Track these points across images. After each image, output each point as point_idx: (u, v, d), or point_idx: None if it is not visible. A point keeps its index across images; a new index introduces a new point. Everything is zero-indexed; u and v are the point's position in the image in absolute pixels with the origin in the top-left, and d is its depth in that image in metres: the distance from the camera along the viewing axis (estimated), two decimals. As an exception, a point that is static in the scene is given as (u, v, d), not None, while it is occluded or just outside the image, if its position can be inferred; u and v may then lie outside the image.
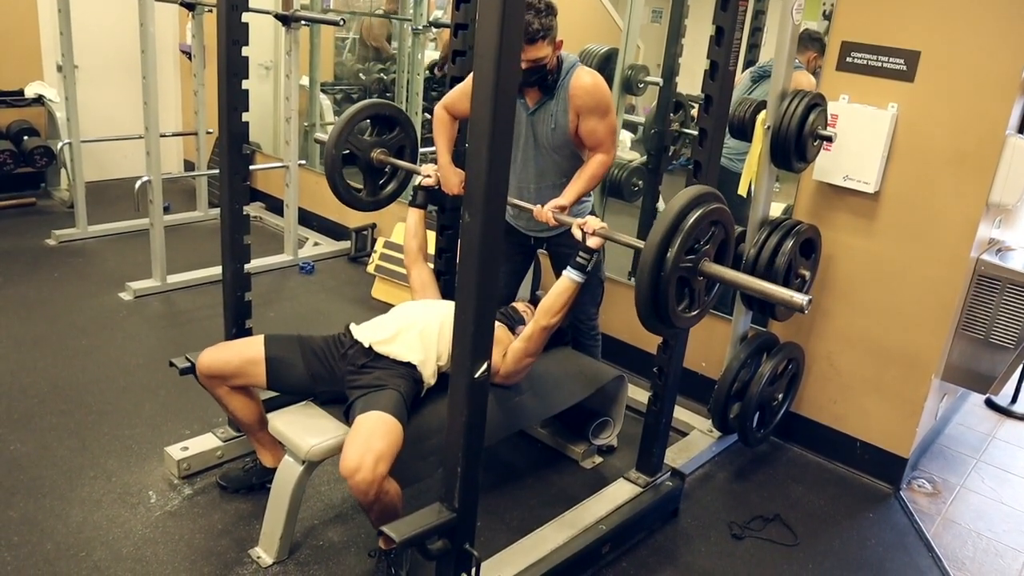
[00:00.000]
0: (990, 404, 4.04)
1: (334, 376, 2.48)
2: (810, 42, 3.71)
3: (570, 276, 2.37)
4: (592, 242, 2.33)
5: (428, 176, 2.85)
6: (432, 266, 3.10)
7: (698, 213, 1.94)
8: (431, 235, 3.10)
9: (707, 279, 2.06)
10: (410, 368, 2.43)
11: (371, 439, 2.14)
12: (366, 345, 2.46)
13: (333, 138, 2.84)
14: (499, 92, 1.57)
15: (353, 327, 2.56)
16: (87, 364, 3.51)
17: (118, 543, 2.49)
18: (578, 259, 2.35)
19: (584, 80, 2.74)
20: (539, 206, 2.70)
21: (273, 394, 2.69)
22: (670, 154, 4.01)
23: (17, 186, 5.49)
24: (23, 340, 3.67)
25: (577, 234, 2.34)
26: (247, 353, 2.48)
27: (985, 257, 2.99)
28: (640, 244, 2.03)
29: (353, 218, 5.08)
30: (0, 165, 5.12)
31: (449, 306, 2.52)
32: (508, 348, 2.55)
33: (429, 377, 2.46)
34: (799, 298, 1.92)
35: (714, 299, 2.15)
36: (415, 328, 2.49)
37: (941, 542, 2.93)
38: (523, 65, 2.69)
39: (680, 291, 2.01)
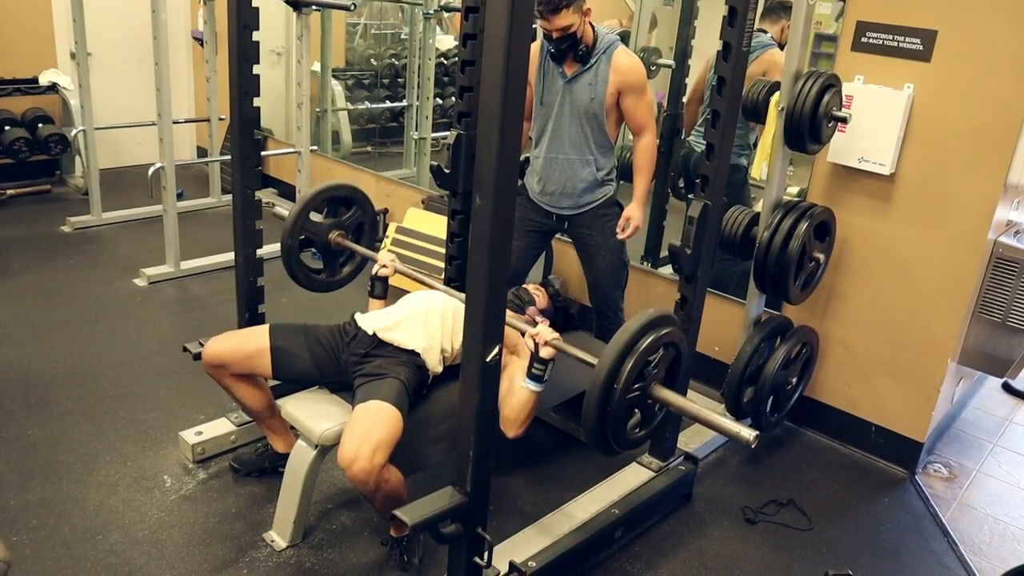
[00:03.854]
0: (1007, 388, 4.00)
1: (339, 365, 2.48)
2: (782, 11, 3.66)
3: (528, 387, 2.25)
4: (544, 352, 2.20)
5: (384, 267, 2.74)
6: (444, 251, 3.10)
7: (648, 341, 1.88)
8: (442, 220, 3.09)
9: (656, 403, 2.00)
10: (413, 356, 2.42)
11: (369, 429, 2.14)
12: (370, 333, 2.46)
13: (288, 228, 2.74)
14: (509, 75, 1.57)
15: (358, 316, 2.56)
16: (102, 350, 3.54)
17: (134, 526, 2.51)
18: (533, 370, 2.22)
19: (623, 60, 2.94)
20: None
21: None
22: (683, 137, 3.98)
23: (32, 173, 5.53)
24: (39, 326, 3.70)
25: (529, 344, 2.23)
26: (252, 343, 2.49)
27: (1003, 239, 2.95)
28: (592, 360, 1.97)
29: (365, 204, 5.08)
30: (15, 153, 5.15)
31: (455, 295, 2.51)
32: (502, 377, 2.32)
33: (434, 365, 2.46)
34: (746, 433, 1.84)
35: (664, 414, 2.09)
36: (419, 316, 2.49)
37: (957, 527, 2.91)
38: (554, 35, 2.77)
39: (630, 413, 1.97)
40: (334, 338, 2.53)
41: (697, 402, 3.33)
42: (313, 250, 2.91)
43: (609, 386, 1.86)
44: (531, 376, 2.23)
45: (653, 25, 4.50)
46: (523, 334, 2.26)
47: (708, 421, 1.91)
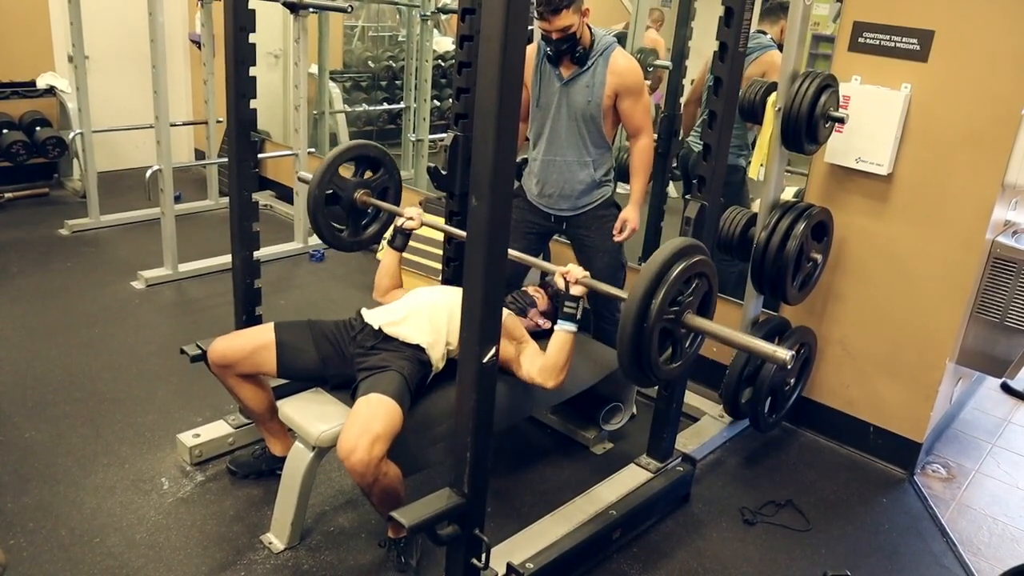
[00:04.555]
0: (1006, 388, 4.01)
1: (344, 358, 2.48)
2: (781, 11, 3.66)
3: (564, 328, 2.32)
4: (575, 290, 2.28)
5: (411, 219, 2.76)
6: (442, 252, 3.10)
7: (681, 267, 1.91)
8: (438, 221, 3.08)
9: (690, 331, 2.03)
10: (418, 350, 2.43)
11: (369, 421, 2.15)
12: (376, 327, 2.47)
13: (316, 179, 2.77)
14: (505, 76, 1.57)
15: (364, 311, 2.57)
16: (100, 352, 3.53)
17: (132, 529, 2.51)
18: (566, 308, 2.30)
19: (621, 62, 2.93)
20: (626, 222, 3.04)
21: (283, 382, 2.69)
22: (679, 138, 3.98)
23: (30, 176, 5.53)
24: (37, 329, 3.69)
25: (560, 283, 2.30)
26: (257, 339, 2.49)
27: (1001, 239, 2.95)
28: (623, 295, 2.00)
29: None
30: (13, 156, 5.14)
31: (460, 292, 2.51)
32: (523, 364, 2.50)
33: (438, 360, 2.47)
34: (781, 353, 1.86)
35: (697, 349, 2.12)
36: (425, 311, 2.50)
37: (956, 527, 2.91)
38: (553, 36, 2.78)
39: (663, 343, 1.99)
40: (339, 332, 2.54)
41: (694, 402, 3.38)
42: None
43: (646, 303, 1.87)
44: (564, 316, 2.32)
45: (659, 22, 4.48)
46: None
47: (745, 344, 1.96)
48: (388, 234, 2.85)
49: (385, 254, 2.85)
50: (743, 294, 3.22)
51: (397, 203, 3.02)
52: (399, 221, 2.79)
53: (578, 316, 2.32)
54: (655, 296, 1.88)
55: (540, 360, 2.45)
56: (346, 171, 2.87)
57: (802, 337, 3.13)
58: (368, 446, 2.10)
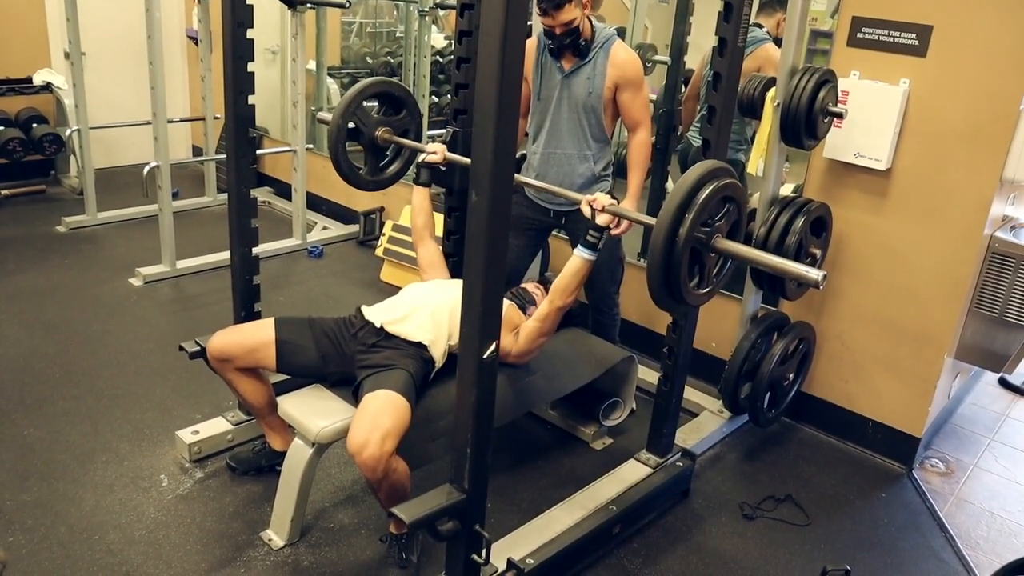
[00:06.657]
0: (1004, 383, 4.01)
1: (344, 356, 2.48)
2: (778, 4, 3.67)
3: (582, 255, 2.35)
4: (601, 219, 2.30)
5: (434, 153, 2.81)
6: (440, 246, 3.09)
7: (711, 188, 1.89)
8: (438, 217, 3.08)
9: (720, 256, 2.03)
10: (420, 348, 2.43)
11: (378, 417, 2.15)
12: (377, 325, 2.47)
13: (340, 110, 2.82)
14: (505, 71, 1.56)
15: (364, 308, 2.56)
16: (98, 349, 3.53)
17: (131, 526, 2.51)
18: (589, 237, 2.33)
19: (621, 55, 2.94)
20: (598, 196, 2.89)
21: (283, 378, 2.69)
22: (678, 133, 3.98)
23: (27, 173, 5.51)
24: (35, 326, 3.69)
25: (586, 211, 2.33)
26: (257, 335, 2.49)
27: (999, 234, 2.95)
28: (651, 221, 1.99)
29: (361, 202, 5.08)
30: (10, 153, 5.12)
31: (460, 286, 2.52)
32: (521, 327, 2.55)
33: (439, 357, 2.47)
34: (814, 273, 1.88)
35: (726, 277, 2.11)
36: (426, 308, 2.50)
37: (954, 522, 2.91)
38: (556, 31, 2.79)
39: (692, 267, 1.97)
40: (340, 329, 2.53)
41: (693, 398, 3.38)
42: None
43: (677, 221, 1.86)
44: (586, 244, 2.34)
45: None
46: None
47: (776, 266, 1.99)
48: (412, 171, 2.92)
49: (413, 192, 2.92)
50: (742, 289, 3.22)
51: (418, 141, 3.07)
52: (422, 156, 2.84)
53: (599, 247, 2.33)
54: (686, 214, 1.86)
55: (536, 316, 2.51)
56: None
57: (801, 332, 3.13)
58: (379, 441, 2.10)
